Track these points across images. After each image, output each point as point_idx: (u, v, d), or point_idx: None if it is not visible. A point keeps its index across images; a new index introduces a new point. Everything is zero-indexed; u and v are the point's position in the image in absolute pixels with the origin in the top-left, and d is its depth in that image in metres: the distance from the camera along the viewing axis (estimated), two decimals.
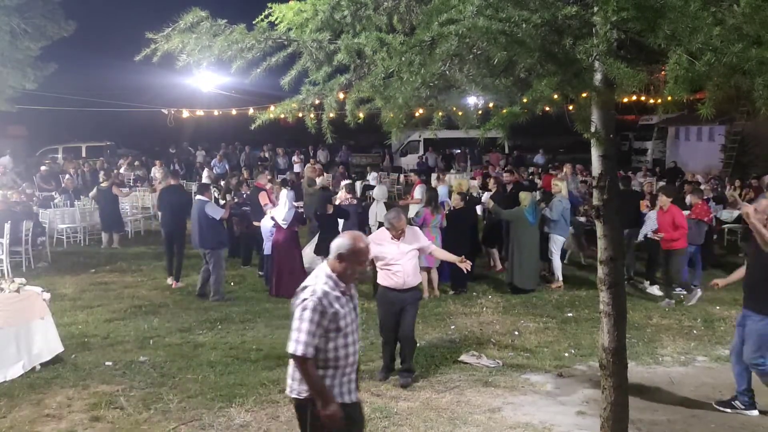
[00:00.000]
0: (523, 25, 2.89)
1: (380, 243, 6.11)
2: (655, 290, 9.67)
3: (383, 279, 6.17)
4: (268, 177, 13.02)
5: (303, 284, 3.59)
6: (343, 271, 3.54)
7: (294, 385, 3.57)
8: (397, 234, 6.07)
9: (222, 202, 12.11)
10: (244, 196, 12.85)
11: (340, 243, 3.59)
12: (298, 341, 3.39)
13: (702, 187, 13.45)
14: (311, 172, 14.12)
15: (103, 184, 13.91)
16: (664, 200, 8.98)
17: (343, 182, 12.75)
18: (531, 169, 19.83)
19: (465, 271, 6.84)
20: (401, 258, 6.05)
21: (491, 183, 13.16)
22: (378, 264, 6.22)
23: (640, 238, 10.01)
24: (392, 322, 6.15)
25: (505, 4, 3.02)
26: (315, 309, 3.40)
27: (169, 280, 10.56)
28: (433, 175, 16.51)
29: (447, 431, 5.16)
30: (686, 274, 9.65)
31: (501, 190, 12.08)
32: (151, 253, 13.25)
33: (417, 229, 6.59)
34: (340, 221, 10.15)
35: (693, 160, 25.67)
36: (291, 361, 3.55)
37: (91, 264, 12.11)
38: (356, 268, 3.58)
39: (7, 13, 14.41)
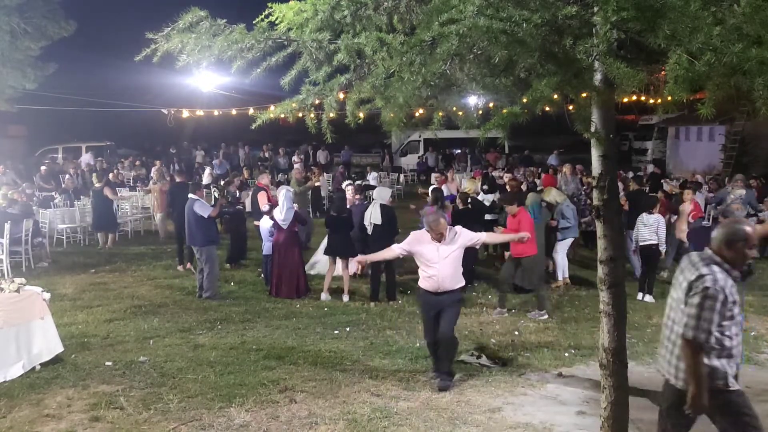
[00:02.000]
0: (524, 25, 2.89)
1: (420, 243, 6.03)
2: (647, 298, 9.41)
3: (421, 281, 6.11)
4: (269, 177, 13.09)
5: (698, 272, 3.58)
6: (734, 257, 3.58)
7: (682, 375, 3.63)
8: (437, 236, 5.94)
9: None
10: (236, 195, 12.90)
11: (729, 230, 3.62)
12: (699, 328, 3.45)
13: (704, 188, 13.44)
14: (297, 174, 14.18)
15: (96, 185, 13.94)
16: (510, 208, 8.89)
17: (348, 183, 12.70)
18: (531, 169, 19.77)
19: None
20: (438, 261, 5.92)
21: (509, 185, 12.87)
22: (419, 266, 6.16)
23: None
24: (431, 324, 6.09)
25: (505, 3, 3.02)
26: (716, 298, 3.46)
27: (179, 267, 11.47)
28: (434, 176, 16.34)
29: (447, 431, 5.16)
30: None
31: (519, 191, 11.51)
32: (151, 253, 13.25)
33: (458, 228, 6.26)
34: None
35: (693, 160, 25.68)
36: (674, 350, 3.63)
37: (90, 264, 12.11)
38: (748, 252, 3.62)
39: (7, 13, 14.43)
